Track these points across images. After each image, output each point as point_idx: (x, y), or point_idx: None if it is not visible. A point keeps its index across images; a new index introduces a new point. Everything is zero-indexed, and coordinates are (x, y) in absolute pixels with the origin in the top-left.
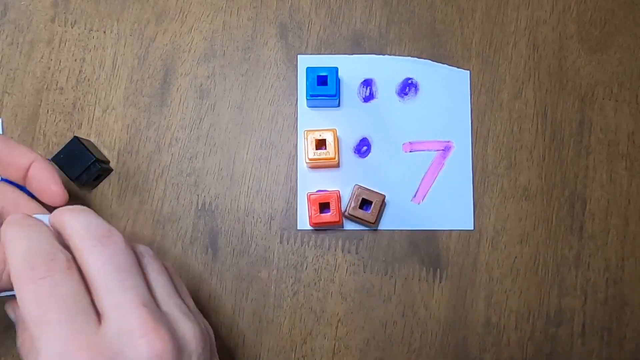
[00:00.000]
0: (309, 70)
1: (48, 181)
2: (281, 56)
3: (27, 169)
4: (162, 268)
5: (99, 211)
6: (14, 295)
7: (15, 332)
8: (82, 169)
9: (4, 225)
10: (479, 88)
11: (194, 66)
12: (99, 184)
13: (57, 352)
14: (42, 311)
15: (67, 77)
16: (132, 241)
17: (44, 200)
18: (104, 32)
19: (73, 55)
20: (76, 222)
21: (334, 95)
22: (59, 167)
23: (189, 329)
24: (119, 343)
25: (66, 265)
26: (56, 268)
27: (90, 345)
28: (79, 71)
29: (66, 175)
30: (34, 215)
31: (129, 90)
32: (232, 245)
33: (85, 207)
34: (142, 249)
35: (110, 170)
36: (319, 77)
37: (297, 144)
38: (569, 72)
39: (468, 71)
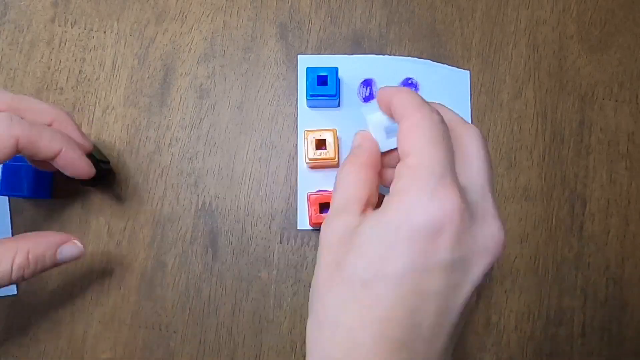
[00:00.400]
0: (309, 70)
1: (79, 169)
2: (281, 56)
3: (57, 154)
4: None
5: (98, 211)
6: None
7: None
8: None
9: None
10: (479, 88)
11: (194, 66)
12: (99, 184)
13: (438, 168)
14: (431, 138)
15: (67, 77)
16: (132, 241)
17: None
18: (104, 32)
19: (73, 55)
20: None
21: (334, 95)
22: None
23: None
24: (475, 204)
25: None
26: (439, 116)
27: (456, 184)
28: (79, 71)
29: (67, 175)
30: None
31: (129, 90)
32: (232, 245)
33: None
34: None
35: (110, 171)
36: (319, 77)
37: (297, 144)
38: (569, 72)
39: (468, 71)
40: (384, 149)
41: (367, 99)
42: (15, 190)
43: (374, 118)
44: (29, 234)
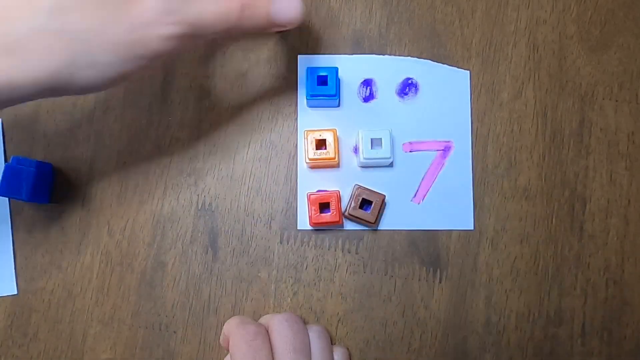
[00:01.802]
0: (309, 70)
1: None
2: (281, 56)
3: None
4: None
5: (99, 211)
6: None
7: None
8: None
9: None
10: (479, 88)
11: (194, 66)
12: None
13: None
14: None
15: None
16: (132, 241)
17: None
18: None
19: None
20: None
21: (334, 95)
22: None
23: None
24: None
25: (265, 337)
26: (261, 334)
27: None
28: None
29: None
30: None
31: (129, 90)
32: (232, 245)
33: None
34: (315, 329)
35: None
36: (319, 77)
37: (297, 144)
38: (569, 72)
39: (468, 71)
40: (368, 157)
41: (367, 99)
42: (14, 192)
43: (362, 132)
44: None
